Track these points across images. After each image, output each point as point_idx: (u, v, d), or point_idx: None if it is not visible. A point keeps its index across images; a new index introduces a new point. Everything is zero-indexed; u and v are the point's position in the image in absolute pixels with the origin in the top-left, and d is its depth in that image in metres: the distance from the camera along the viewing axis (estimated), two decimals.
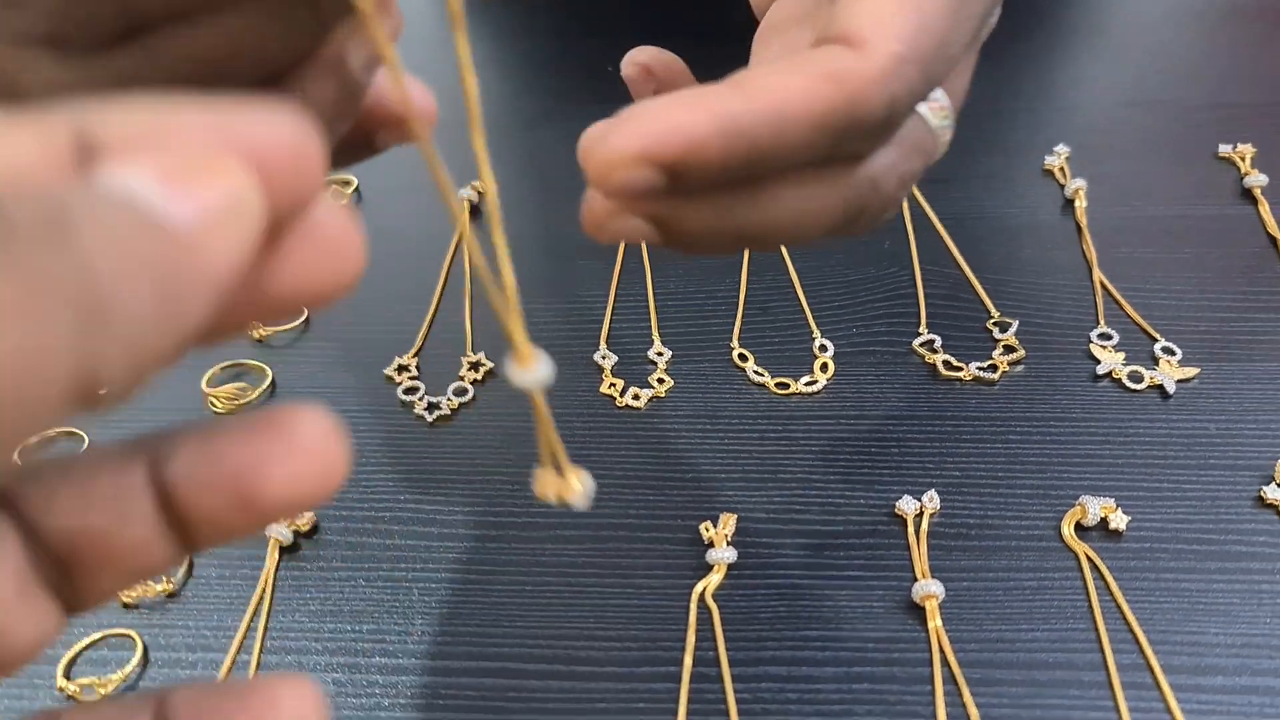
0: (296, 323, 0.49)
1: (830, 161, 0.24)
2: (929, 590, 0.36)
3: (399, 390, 0.45)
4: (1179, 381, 0.42)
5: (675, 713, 0.34)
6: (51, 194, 0.11)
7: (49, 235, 0.11)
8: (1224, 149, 0.53)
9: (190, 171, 0.12)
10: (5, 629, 0.15)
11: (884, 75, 0.23)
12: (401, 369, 0.46)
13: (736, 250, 0.27)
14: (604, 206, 0.24)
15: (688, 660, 0.35)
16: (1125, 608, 0.36)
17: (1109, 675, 0.34)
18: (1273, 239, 0.48)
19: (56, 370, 0.11)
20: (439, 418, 0.44)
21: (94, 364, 0.11)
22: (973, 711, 0.33)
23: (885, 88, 0.23)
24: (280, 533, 0.40)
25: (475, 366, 0.46)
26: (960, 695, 0.34)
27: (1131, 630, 0.35)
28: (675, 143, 0.22)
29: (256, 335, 0.49)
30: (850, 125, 0.23)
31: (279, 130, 0.14)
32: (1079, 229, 0.50)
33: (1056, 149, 0.53)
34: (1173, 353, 0.43)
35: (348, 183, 0.57)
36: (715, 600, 0.37)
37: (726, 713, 0.34)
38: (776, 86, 0.23)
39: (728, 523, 0.38)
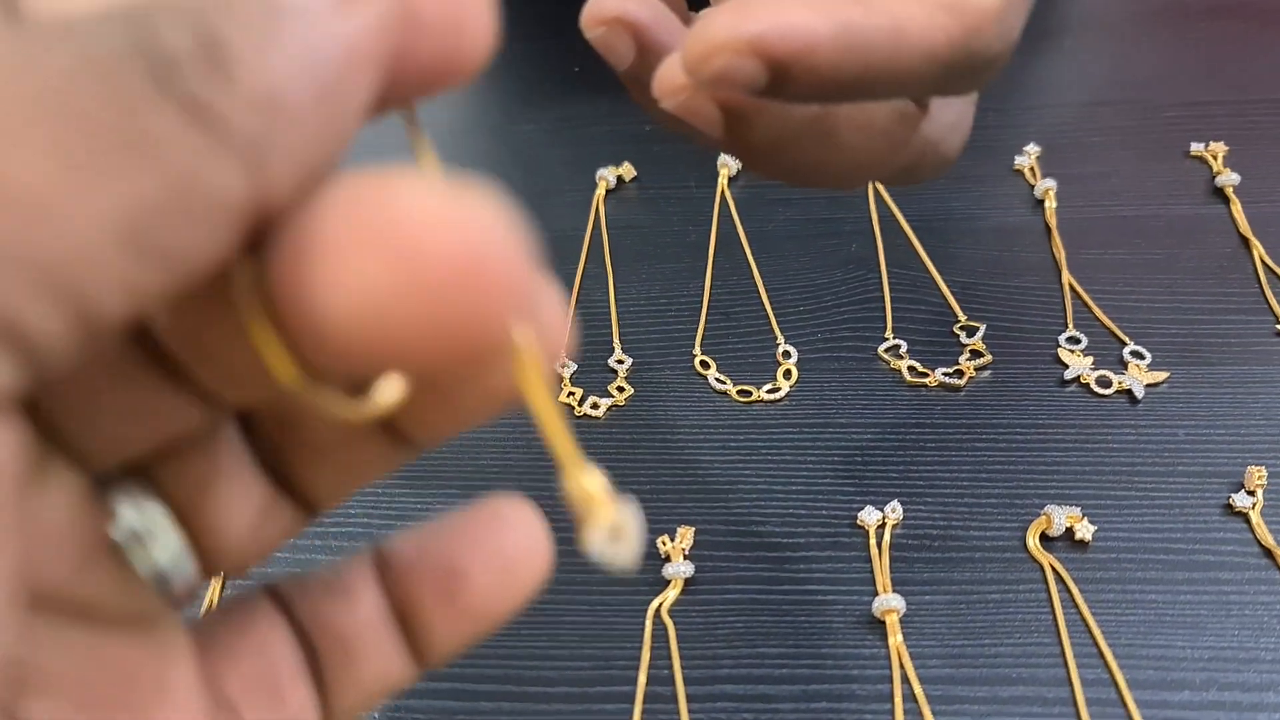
0: None
1: (908, 112, 0.24)
2: (890, 605, 0.35)
3: None
4: (1148, 386, 0.42)
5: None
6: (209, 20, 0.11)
7: (211, 65, 0.11)
8: (1196, 147, 0.52)
9: None
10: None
11: (1000, 13, 0.23)
12: None
13: (787, 179, 0.26)
14: (682, 81, 0.23)
15: (642, 679, 0.34)
16: (1090, 621, 0.35)
17: (1073, 691, 0.33)
18: (1244, 239, 0.47)
19: (234, 193, 0.11)
20: None
21: (269, 186, 0.11)
22: None
23: (1001, 25, 0.23)
24: None
25: None
26: (921, 715, 0.33)
27: (1097, 644, 0.34)
28: (792, 40, 0.21)
29: None
30: (964, 60, 0.23)
31: None
32: (1048, 230, 0.49)
33: (1026, 149, 0.53)
34: (1142, 356, 0.43)
35: None
36: (671, 616, 0.36)
37: None
38: (898, 9, 0.22)
39: (685, 536, 0.37)
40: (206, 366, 0.14)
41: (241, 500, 0.16)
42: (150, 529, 0.14)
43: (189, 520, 0.15)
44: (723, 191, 0.52)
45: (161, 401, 0.14)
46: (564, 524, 0.39)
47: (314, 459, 0.16)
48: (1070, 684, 0.33)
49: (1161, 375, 0.42)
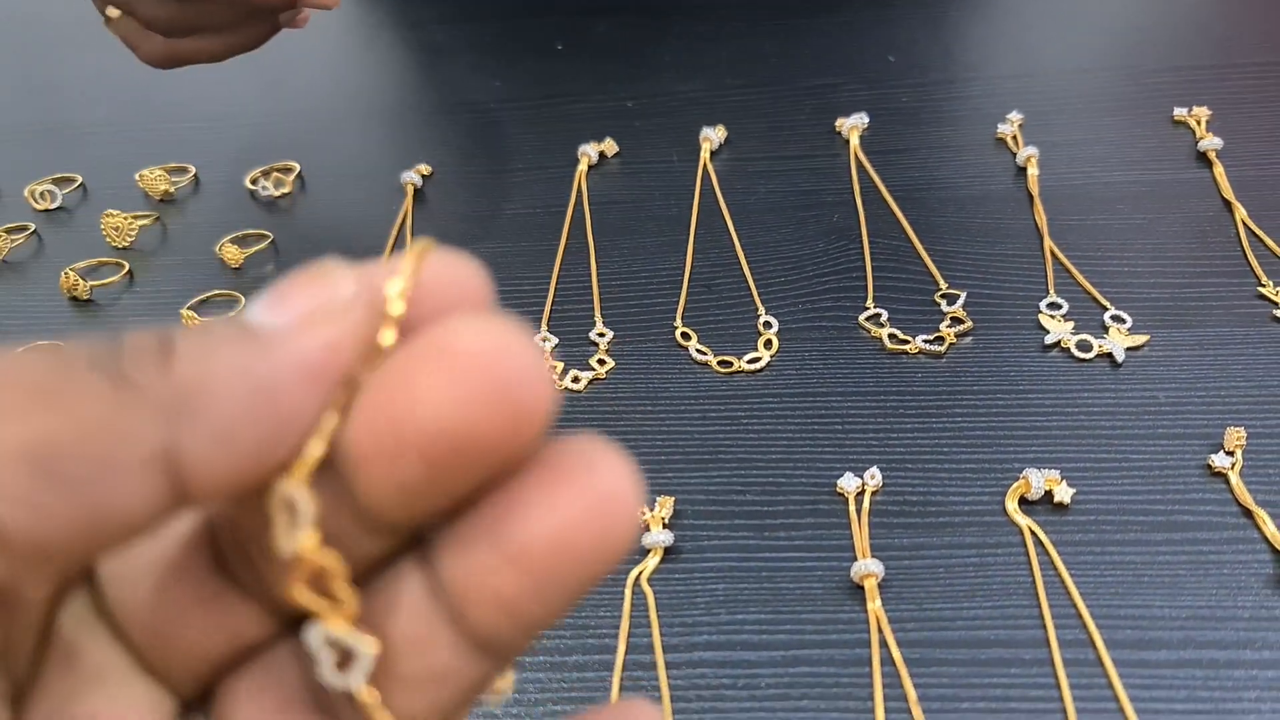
0: (235, 314, 0.48)
1: None
2: (868, 569, 0.35)
3: None
4: (1128, 349, 0.41)
5: (608, 702, 0.33)
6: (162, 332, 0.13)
7: (152, 361, 0.13)
8: (1179, 112, 0.52)
9: (291, 288, 0.14)
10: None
11: None
12: None
13: None
14: None
15: (621, 647, 0.34)
16: (1069, 582, 0.35)
17: (1051, 652, 0.33)
18: (1227, 202, 0.47)
19: (140, 444, 0.12)
20: None
21: (180, 446, 0.12)
22: (910, 693, 0.32)
23: None
24: None
25: None
26: (899, 677, 0.33)
27: (1075, 605, 0.34)
28: None
29: None
30: None
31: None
32: (1030, 197, 0.49)
33: (1009, 117, 0.52)
34: (1122, 320, 0.42)
35: (289, 169, 0.56)
36: (650, 585, 0.36)
37: (660, 701, 0.33)
38: None
39: (664, 505, 0.37)
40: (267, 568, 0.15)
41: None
42: None
43: None
44: (704, 165, 0.52)
45: (233, 608, 0.15)
46: None
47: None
48: (1048, 645, 0.33)
49: (1142, 338, 0.42)
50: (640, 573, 0.36)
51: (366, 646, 0.14)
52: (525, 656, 0.35)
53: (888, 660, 0.33)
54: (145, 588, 0.15)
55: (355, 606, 0.14)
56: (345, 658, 0.14)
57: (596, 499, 0.13)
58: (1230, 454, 0.37)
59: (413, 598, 0.14)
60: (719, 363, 0.43)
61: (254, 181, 0.55)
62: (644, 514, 0.37)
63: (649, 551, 0.37)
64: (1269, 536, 0.35)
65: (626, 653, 0.34)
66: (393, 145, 0.57)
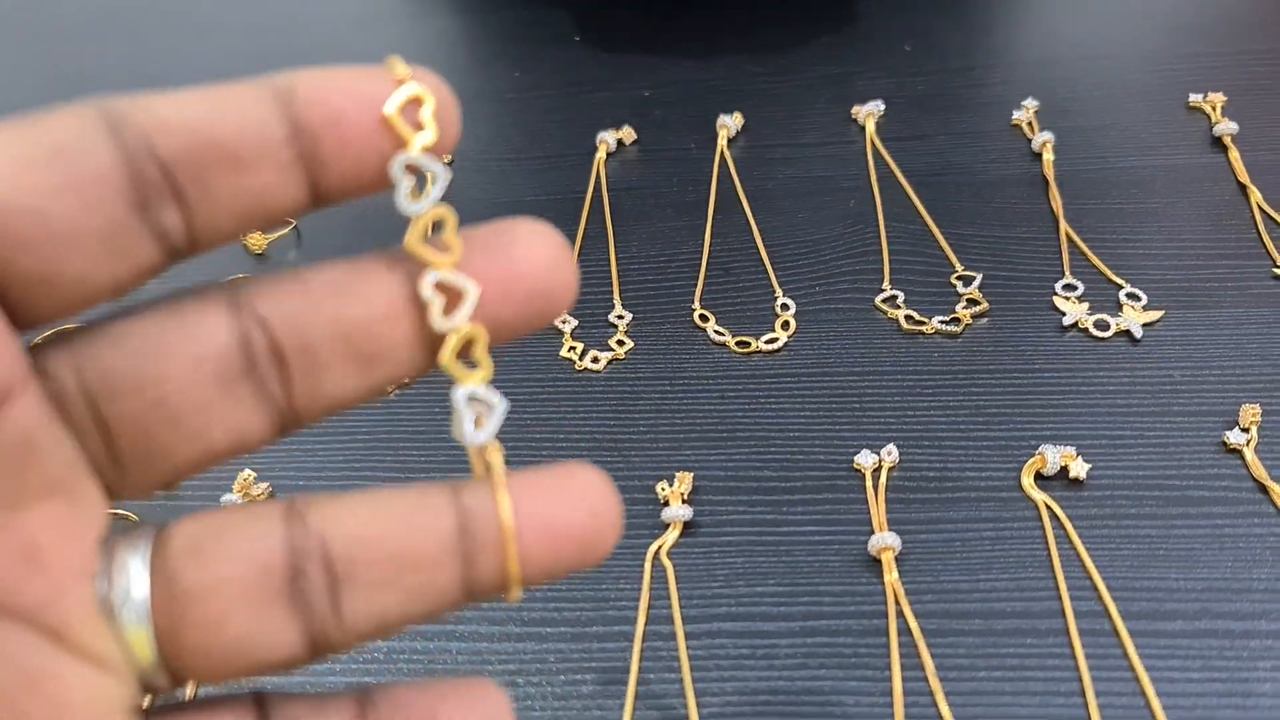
0: None
1: None
2: (885, 542, 0.35)
3: None
4: (1145, 326, 0.42)
5: (628, 671, 0.34)
6: None
7: None
8: (1194, 98, 0.52)
9: None
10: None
11: None
12: None
13: None
14: None
15: (641, 618, 0.35)
16: (1084, 555, 0.35)
17: (1066, 623, 0.33)
18: (1242, 186, 0.47)
19: None
20: (393, 389, 0.44)
21: None
22: (928, 663, 0.33)
23: None
24: (234, 501, 0.39)
25: None
26: (916, 647, 0.33)
27: (1090, 578, 0.35)
28: None
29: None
30: None
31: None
32: (1046, 182, 0.49)
33: (1025, 103, 0.53)
34: (1138, 298, 0.43)
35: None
36: (670, 558, 0.36)
37: (680, 670, 0.34)
38: None
39: (684, 481, 0.38)
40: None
41: None
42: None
43: None
44: (722, 152, 0.53)
45: (244, 408, 0.16)
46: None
47: None
48: (1064, 616, 0.34)
49: (1157, 314, 0.42)
50: (660, 546, 0.37)
51: (470, 287, 0.16)
52: (546, 628, 0.35)
53: (905, 631, 0.34)
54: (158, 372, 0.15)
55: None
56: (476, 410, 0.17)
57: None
58: (1245, 430, 0.38)
59: None
60: (737, 344, 0.43)
61: None
62: (663, 489, 0.38)
63: (669, 526, 0.37)
64: None
65: (647, 624, 0.35)
66: None
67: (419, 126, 0.16)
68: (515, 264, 0.16)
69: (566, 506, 0.16)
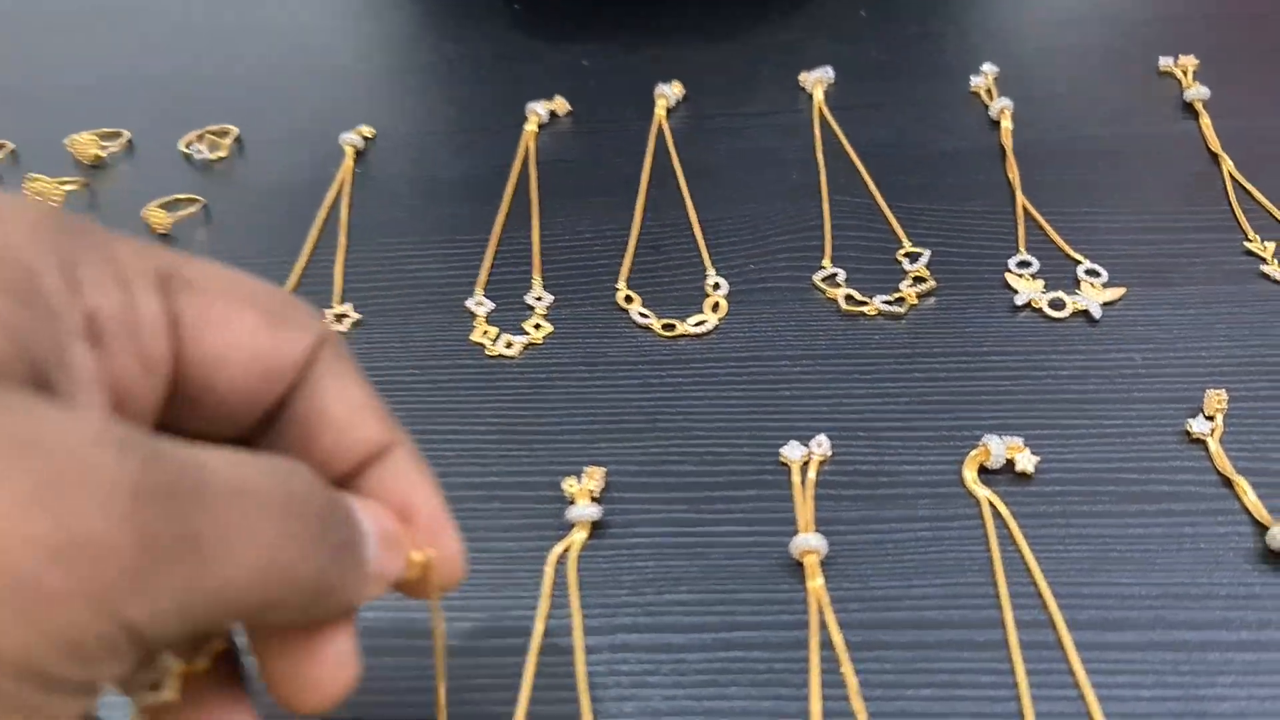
0: None
1: None
2: (808, 545, 0.32)
3: None
4: (1105, 305, 0.38)
5: (519, 690, 0.30)
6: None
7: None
8: (1164, 62, 0.48)
9: (397, 546, 0.21)
10: None
11: None
12: None
13: None
14: None
15: (539, 629, 0.32)
16: (1029, 557, 0.32)
17: (1006, 633, 0.30)
18: (1214, 155, 0.44)
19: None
20: None
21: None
22: (850, 680, 0.29)
23: None
24: None
25: (340, 318, 0.42)
26: (838, 662, 0.30)
27: (1035, 583, 0.31)
28: None
29: None
30: None
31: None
32: (1003, 153, 0.45)
33: (983, 69, 0.49)
34: (1097, 274, 0.39)
35: (226, 131, 0.53)
36: (575, 563, 0.33)
37: (576, 690, 0.30)
38: None
39: (593, 477, 0.35)
40: None
41: None
42: None
43: None
44: (660, 123, 0.49)
45: None
46: (467, 471, 0.36)
47: None
48: (1004, 626, 0.30)
49: (1118, 292, 0.39)
50: (564, 550, 0.33)
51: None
52: (432, 641, 0.32)
53: (827, 644, 0.30)
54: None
55: None
56: None
57: None
58: (1210, 419, 0.34)
59: None
60: (662, 326, 0.40)
61: (188, 145, 0.53)
62: (569, 486, 0.34)
63: (574, 527, 0.34)
64: (1249, 506, 0.32)
65: (545, 635, 0.31)
66: (337, 107, 0.54)
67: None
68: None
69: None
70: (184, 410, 0.20)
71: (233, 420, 0.20)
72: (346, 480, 0.21)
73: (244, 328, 0.19)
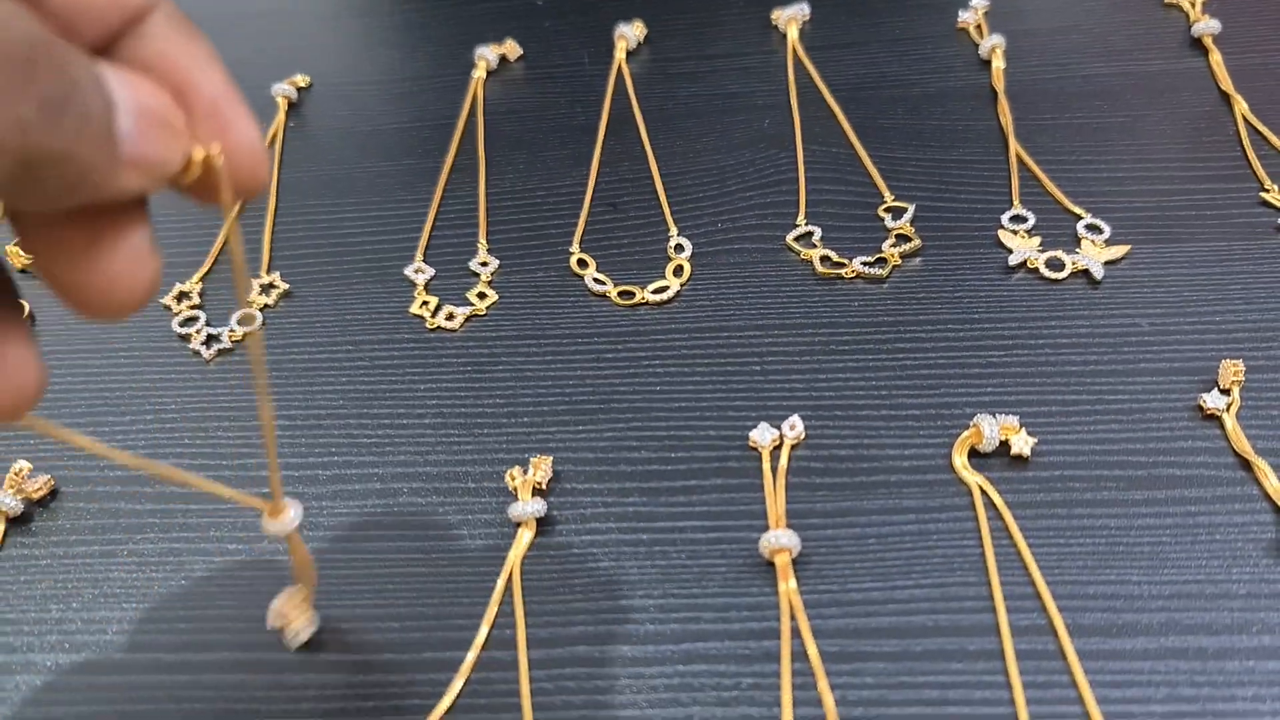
0: None
1: None
2: (780, 543, 0.28)
3: (174, 322, 0.38)
4: (1107, 264, 0.35)
5: (450, 711, 0.27)
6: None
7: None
8: None
9: (164, 127, 0.17)
10: None
11: None
12: (181, 296, 0.39)
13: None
14: None
15: (478, 640, 0.28)
16: (1026, 554, 0.28)
17: (1002, 642, 0.27)
18: (1225, 95, 0.40)
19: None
20: (219, 352, 0.37)
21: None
22: (827, 696, 0.26)
23: None
24: (6, 502, 0.32)
25: (267, 289, 0.38)
26: (814, 675, 0.27)
27: (1033, 583, 0.28)
28: None
29: (18, 265, 0.40)
30: None
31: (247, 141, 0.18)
32: (994, 95, 0.41)
33: (972, 3, 0.45)
34: (1099, 230, 0.36)
35: None
36: (520, 564, 0.30)
37: (520, 711, 0.27)
38: None
39: (539, 466, 0.31)
40: None
41: None
42: None
43: None
44: (619, 67, 0.45)
45: None
46: (402, 459, 0.32)
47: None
48: (999, 633, 0.27)
49: (1121, 250, 0.35)
50: (509, 552, 0.30)
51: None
52: (368, 654, 0.28)
53: (801, 654, 0.27)
54: None
55: None
56: None
57: None
58: (1226, 392, 0.31)
59: None
60: (619, 294, 0.36)
61: None
62: (512, 479, 0.31)
63: (519, 526, 0.30)
64: (1270, 492, 0.29)
65: (484, 647, 0.28)
66: (268, 55, 0.49)
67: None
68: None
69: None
70: None
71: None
72: (101, 51, 0.18)
73: None
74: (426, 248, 0.39)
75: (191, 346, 0.37)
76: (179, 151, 0.17)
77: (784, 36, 0.45)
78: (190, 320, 0.38)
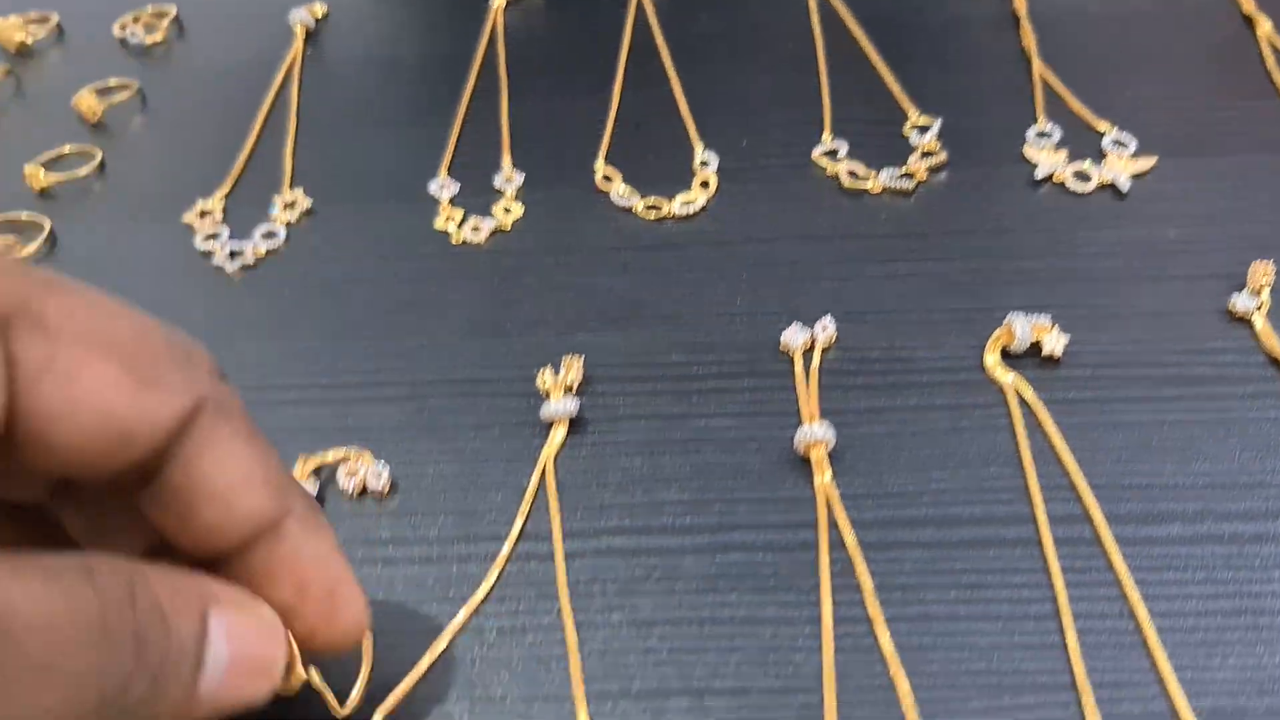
0: (87, 170, 0.41)
1: None
2: (815, 436, 0.28)
3: (197, 239, 0.37)
4: (1134, 177, 0.35)
5: (487, 599, 0.27)
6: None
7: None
8: None
9: (263, 673, 0.20)
10: None
11: None
12: (204, 214, 0.38)
13: None
14: None
15: (513, 534, 0.28)
16: (1060, 448, 0.28)
17: (1038, 530, 0.27)
18: (1248, 18, 0.40)
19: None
20: (242, 267, 0.36)
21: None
22: (866, 583, 0.26)
23: None
24: None
25: (290, 206, 0.38)
26: (851, 564, 0.27)
27: (1067, 474, 0.28)
28: None
29: (37, 187, 0.40)
30: None
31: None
32: (1017, 21, 0.41)
33: None
34: (1124, 146, 0.36)
35: (164, 13, 0.48)
36: (554, 462, 0.30)
37: (557, 599, 0.27)
38: None
39: (570, 367, 0.31)
40: None
41: None
42: None
43: None
44: None
45: None
46: (434, 366, 0.32)
47: None
48: (1034, 522, 0.27)
49: (1148, 162, 0.35)
50: (544, 449, 0.30)
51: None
52: (400, 548, 0.28)
53: (838, 544, 0.27)
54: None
55: None
56: None
57: None
58: (1255, 294, 0.31)
59: None
60: (646, 207, 0.36)
61: (124, 28, 0.48)
62: (543, 380, 0.31)
63: (551, 424, 0.30)
64: None
65: (519, 540, 0.28)
66: None
67: None
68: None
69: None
70: (26, 457, 0.17)
71: (87, 476, 0.18)
72: (235, 554, 0.20)
73: (96, 383, 0.17)
74: (450, 164, 0.39)
75: (215, 263, 0.37)
76: (267, 690, 0.19)
77: None
78: (213, 236, 0.37)
